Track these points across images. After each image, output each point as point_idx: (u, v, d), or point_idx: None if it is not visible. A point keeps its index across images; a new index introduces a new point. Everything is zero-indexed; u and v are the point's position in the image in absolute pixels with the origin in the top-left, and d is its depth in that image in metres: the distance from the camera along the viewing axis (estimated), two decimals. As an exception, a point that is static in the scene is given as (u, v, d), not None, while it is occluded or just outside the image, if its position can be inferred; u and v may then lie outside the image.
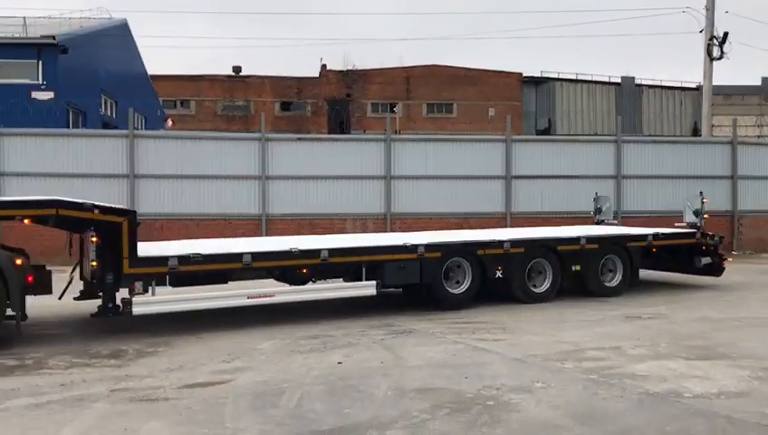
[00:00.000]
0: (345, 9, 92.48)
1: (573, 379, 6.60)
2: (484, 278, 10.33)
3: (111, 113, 31.00)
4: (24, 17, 25.98)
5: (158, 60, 55.18)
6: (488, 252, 10.30)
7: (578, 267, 11.06)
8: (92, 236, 8.07)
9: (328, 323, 9.29)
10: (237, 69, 49.42)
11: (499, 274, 10.37)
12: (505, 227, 16.91)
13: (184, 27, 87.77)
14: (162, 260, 8.46)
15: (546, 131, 45.55)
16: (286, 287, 9.60)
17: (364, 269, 9.61)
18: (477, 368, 6.98)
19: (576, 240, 11.07)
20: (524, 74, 48.04)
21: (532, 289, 10.77)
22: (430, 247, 9.94)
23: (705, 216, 12.29)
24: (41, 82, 24.51)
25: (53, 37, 24.37)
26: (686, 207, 12.66)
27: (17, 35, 24.78)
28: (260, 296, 9.05)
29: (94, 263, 8.08)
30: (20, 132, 16.62)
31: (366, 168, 17.58)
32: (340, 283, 9.83)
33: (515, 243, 10.59)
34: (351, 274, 9.75)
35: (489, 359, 7.41)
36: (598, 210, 14.41)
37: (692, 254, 12.26)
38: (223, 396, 6.11)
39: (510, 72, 47.53)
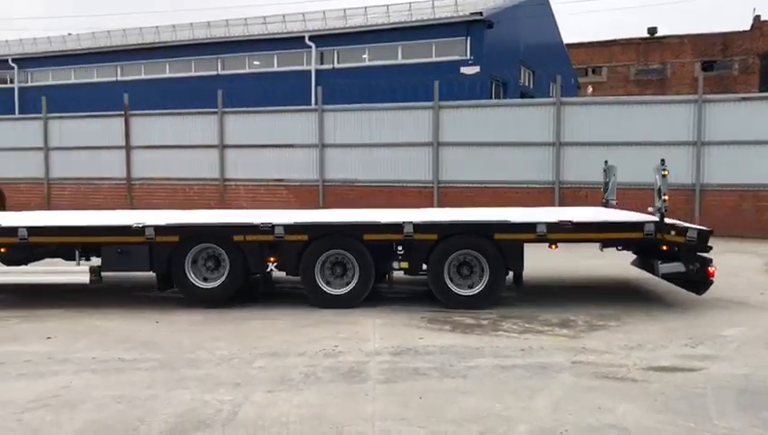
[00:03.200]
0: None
1: None
2: (249, 271, 8.42)
3: (529, 83, 31.79)
4: (457, -5, 27.97)
5: (570, 27, 54.94)
6: (250, 238, 8.20)
7: (405, 264, 8.19)
8: None
9: (805, 313, 7.81)
10: (652, 30, 46.53)
11: (272, 266, 8.31)
12: None
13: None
14: None
15: None
16: None
17: (77, 252, 8.46)
18: None
19: (396, 227, 8.09)
20: None
21: (326, 289, 8.24)
22: (163, 230, 8.27)
23: (665, 197, 7.99)
24: (468, 57, 26.19)
25: (481, 14, 25.75)
26: (656, 181, 8.23)
27: (448, 15, 26.81)
28: None
29: None
30: (455, 105, 17.83)
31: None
32: (51, 267, 8.76)
33: (292, 228, 8.20)
34: (70, 256, 8.59)
35: None
36: (605, 185, 10.45)
37: (652, 255, 8.23)
38: (698, 386, 5.41)
39: None
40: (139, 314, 8.02)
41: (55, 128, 20.76)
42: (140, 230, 8.24)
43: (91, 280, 8.30)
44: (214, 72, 30.25)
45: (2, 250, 8.66)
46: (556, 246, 8.34)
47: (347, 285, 8.27)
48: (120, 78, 32.31)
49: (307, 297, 8.33)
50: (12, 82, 35.17)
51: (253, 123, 19.31)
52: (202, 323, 7.64)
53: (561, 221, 8.08)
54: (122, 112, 19.96)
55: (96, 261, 8.53)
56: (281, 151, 18.80)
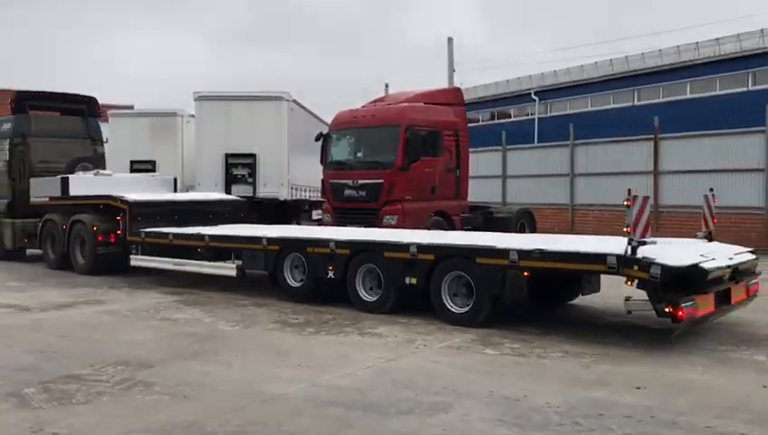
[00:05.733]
0: None
1: None
2: (318, 277, 9.84)
3: None
4: None
5: None
6: (315, 250, 9.82)
7: (413, 280, 8.75)
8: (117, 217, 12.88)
9: None
10: None
11: (331, 274, 9.61)
12: None
13: None
14: (138, 233, 12.39)
15: None
16: (183, 260, 11.67)
17: (233, 254, 11.06)
18: None
19: (405, 247, 8.90)
20: None
21: (364, 297, 9.38)
22: (271, 241, 10.34)
23: (626, 229, 7.11)
24: None
25: None
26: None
27: None
28: (174, 265, 11.79)
29: (119, 232, 12.90)
30: None
31: None
32: (211, 262, 11.24)
33: (342, 244, 9.55)
34: (228, 257, 11.16)
35: None
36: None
37: None
38: None
39: None
40: (738, 372, 6.55)
41: (581, 154, 20.88)
42: (258, 240, 10.50)
43: (236, 274, 10.71)
44: (744, 89, 27.19)
45: (199, 250, 11.55)
46: (529, 275, 7.92)
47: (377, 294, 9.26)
48: (636, 102, 31.60)
49: None
50: (532, 113, 37.66)
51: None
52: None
53: (535, 251, 7.80)
54: (651, 136, 18.93)
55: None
56: None
